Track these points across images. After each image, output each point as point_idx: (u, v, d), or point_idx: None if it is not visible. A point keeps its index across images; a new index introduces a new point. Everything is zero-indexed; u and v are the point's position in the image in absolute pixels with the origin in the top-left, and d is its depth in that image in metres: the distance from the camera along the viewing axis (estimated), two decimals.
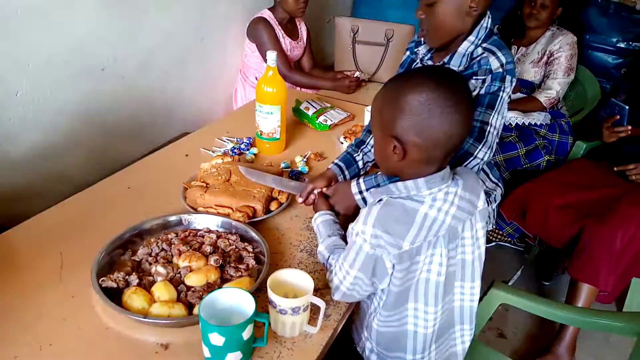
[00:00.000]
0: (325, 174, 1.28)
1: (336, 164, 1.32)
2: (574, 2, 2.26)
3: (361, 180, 1.17)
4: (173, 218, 1.15)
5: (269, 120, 1.50)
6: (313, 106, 1.80)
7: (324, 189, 1.23)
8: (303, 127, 1.77)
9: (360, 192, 1.16)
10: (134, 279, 0.96)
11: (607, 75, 2.83)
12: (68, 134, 1.71)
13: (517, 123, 2.30)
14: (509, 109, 2.25)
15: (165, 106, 2.11)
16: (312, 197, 1.23)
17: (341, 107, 1.88)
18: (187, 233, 1.12)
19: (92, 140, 1.80)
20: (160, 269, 0.99)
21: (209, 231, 1.14)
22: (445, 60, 1.20)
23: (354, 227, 0.92)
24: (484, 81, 1.13)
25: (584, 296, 1.82)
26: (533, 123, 2.29)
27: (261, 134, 1.53)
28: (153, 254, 1.05)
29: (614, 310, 2.13)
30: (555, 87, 2.24)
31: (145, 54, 1.94)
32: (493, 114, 1.13)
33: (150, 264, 1.02)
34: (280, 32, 2.31)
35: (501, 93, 1.13)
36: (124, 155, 1.83)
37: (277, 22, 2.30)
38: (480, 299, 1.36)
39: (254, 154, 1.54)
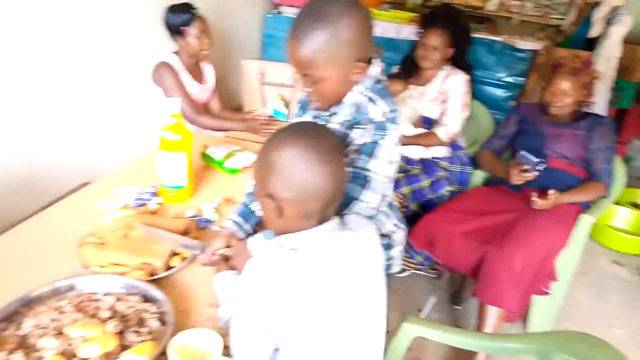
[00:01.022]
0: (222, 234, 1.22)
1: (232, 220, 1.27)
2: (463, 43, 2.44)
3: (257, 236, 1.10)
4: (64, 283, 1.06)
5: (174, 168, 1.46)
6: (221, 150, 1.78)
7: (224, 250, 1.18)
8: (212, 172, 1.74)
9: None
10: (18, 358, 0.87)
11: (498, 107, 3.08)
12: None
13: (420, 157, 2.42)
14: (410, 144, 2.41)
15: (62, 155, 1.98)
16: (213, 259, 1.17)
17: (251, 149, 1.87)
18: (81, 298, 1.04)
19: None
20: (49, 341, 0.90)
21: (107, 294, 1.06)
22: (333, 110, 1.19)
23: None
24: (367, 130, 1.12)
25: (492, 318, 1.91)
26: (435, 156, 2.42)
27: (166, 183, 1.48)
28: (42, 326, 0.96)
29: (521, 328, 2.26)
30: (453, 124, 2.39)
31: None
32: (373, 161, 1.12)
33: (39, 337, 0.93)
34: (186, 76, 2.28)
35: (382, 141, 1.12)
36: (14, 214, 1.68)
37: (182, 66, 2.27)
38: (393, 334, 1.40)
39: (159, 204, 1.48)
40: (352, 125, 1.15)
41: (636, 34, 4.51)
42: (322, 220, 0.92)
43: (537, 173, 2.10)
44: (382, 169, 1.13)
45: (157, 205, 1.48)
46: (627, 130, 4.38)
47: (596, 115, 2.27)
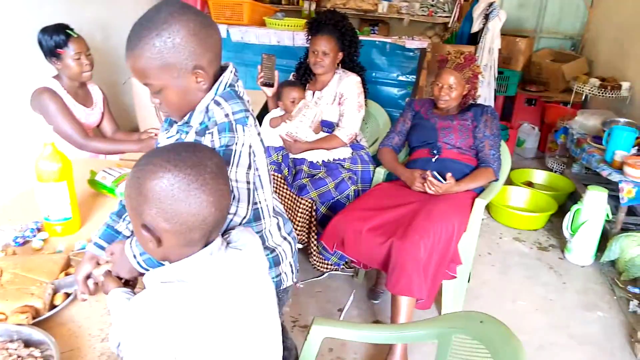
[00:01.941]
0: (86, 257, 1.16)
1: (96, 243, 1.19)
2: (351, 46, 2.52)
3: (134, 241, 1.06)
4: None
5: (56, 199, 1.37)
6: (111, 174, 1.70)
7: (99, 269, 1.12)
8: (102, 199, 1.66)
9: (135, 257, 1.05)
10: None
11: (395, 104, 3.22)
12: None
13: (323, 160, 2.46)
14: (313, 148, 2.45)
15: None
16: (91, 285, 1.12)
17: None
18: None
19: None
20: None
21: None
22: (186, 119, 1.14)
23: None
24: (214, 134, 1.07)
25: (404, 307, 1.99)
26: (337, 158, 2.48)
27: (49, 216, 1.39)
28: None
29: (436, 314, 2.37)
30: (351, 124, 2.47)
31: None
32: (232, 168, 1.06)
33: None
34: (70, 100, 2.16)
35: (234, 146, 1.06)
36: None
37: (64, 90, 2.14)
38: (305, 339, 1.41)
39: (43, 240, 1.39)
40: (200, 131, 1.10)
41: (513, 27, 4.94)
42: (205, 245, 0.89)
43: (435, 184, 2.20)
44: (243, 176, 1.07)
45: (41, 241, 1.38)
46: (516, 116, 4.77)
47: (480, 105, 2.44)
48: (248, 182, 1.08)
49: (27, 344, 0.99)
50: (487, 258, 2.91)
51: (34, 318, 1.06)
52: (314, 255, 2.45)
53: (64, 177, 1.37)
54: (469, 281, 2.42)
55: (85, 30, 2.15)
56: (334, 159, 2.48)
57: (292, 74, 2.67)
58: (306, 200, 2.35)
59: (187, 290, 0.83)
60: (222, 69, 1.14)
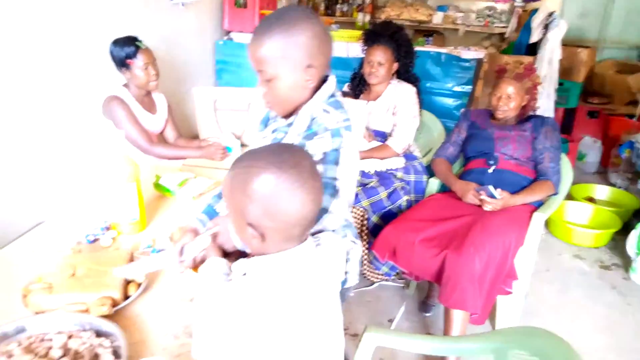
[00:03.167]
0: (189, 227, 1.27)
1: (197, 217, 1.32)
2: (407, 57, 2.53)
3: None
4: (12, 326, 1.04)
5: (124, 201, 1.45)
6: (174, 179, 1.78)
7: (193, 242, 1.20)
8: (166, 201, 1.74)
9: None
10: None
11: (450, 115, 3.18)
12: None
13: (376, 170, 2.47)
14: (366, 157, 2.46)
15: (15, 197, 1.94)
16: (187, 260, 1.19)
17: (205, 175, 1.88)
18: (31, 339, 1.02)
19: None
20: None
21: (59, 333, 1.05)
22: (290, 120, 1.25)
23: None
24: (323, 138, 1.18)
25: (457, 321, 1.95)
26: (390, 168, 2.48)
27: (117, 216, 1.47)
28: None
29: (489, 329, 2.31)
30: (405, 135, 2.46)
31: None
32: (340, 168, 1.18)
33: None
34: (137, 107, 2.28)
35: (342, 148, 1.18)
36: None
37: (132, 98, 2.27)
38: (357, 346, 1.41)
39: (112, 238, 1.47)
40: (309, 135, 1.19)
41: (574, 36, 4.77)
42: (302, 240, 0.94)
43: (491, 202, 2.14)
44: (346, 176, 1.18)
45: (110, 239, 1.46)
46: (577, 129, 4.59)
47: (540, 116, 2.37)
48: (351, 183, 1.19)
49: (98, 334, 1.05)
50: (545, 275, 2.80)
51: (113, 308, 1.12)
52: (365, 265, 2.44)
53: (133, 179, 1.45)
54: (525, 298, 2.34)
55: (150, 43, 2.27)
56: (387, 169, 2.47)
57: (347, 84, 2.70)
58: (357, 209, 2.36)
59: (277, 282, 0.88)
60: (324, 78, 1.24)
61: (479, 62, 3.20)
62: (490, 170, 2.28)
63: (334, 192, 1.17)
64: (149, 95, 2.39)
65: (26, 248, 1.44)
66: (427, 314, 2.42)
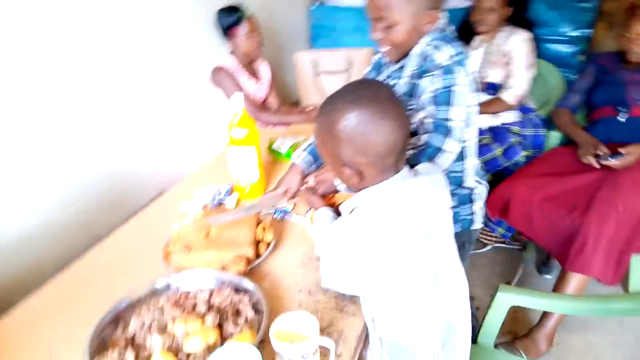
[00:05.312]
0: (296, 170, 1.38)
1: (304, 159, 1.40)
2: (521, 1, 2.31)
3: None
4: (160, 283, 1.10)
5: (245, 163, 1.48)
6: (286, 142, 1.79)
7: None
8: (281, 165, 1.75)
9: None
10: (130, 355, 0.91)
11: (565, 64, 2.88)
12: (41, 218, 1.66)
13: (489, 125, 2.31)
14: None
15: (136, 169, 2.07)
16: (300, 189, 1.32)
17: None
18: (178, 296, 1.07)
19: (65, 220, 1.75)
20: (156, 339, 0.94)
21: (201, 290, 1.09)
22: (401, 64, 1.26)
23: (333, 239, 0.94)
24: (435, 76, 1.16)
25: (574, 284, 1.80)
26: (505, 122, 2.31)
27: (239, 179, 1.51)
28: (146, 325, 0.99)
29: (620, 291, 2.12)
30: (519, 85, 2.27)
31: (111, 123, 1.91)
32: (451, 108, 1.15)
33: (144, 337, 0.97)
34: (242, 75, 2.32)
35: (454, 87, 1.15)
36: (101, 228, 1.77)
37: (238, 67, 2.31)
38: (488, 306, 1.35)
39: (235, 201, 1.51)
40: (420, 74, 1.18)
41: None
42: (397, 170, 0.94)
43: (619, 161, 1.91)
44: (459, 115, 1.15)
45: (234, 202, 1.50)
46: None
47: None
48: (462, 121, 1.16)
49: (237, 290, 1.08)
50: None
51: (248, 265, 1.16)
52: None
53: (252, 142, 1.46)
54: None
55: (249, 12, 2.27)
56: (501, 124, 2.31)
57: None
58: None
59: (383, 210, 0.89)
60: None
61: (599, 2, 2.85)
62: (622, 119, 2.04)
63: (447, 132, 1.16)
64: (252, 63, 2.42)
65: (158, 212, 1.52)
66: (548, 276, 2.27)
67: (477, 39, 2.37)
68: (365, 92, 0.90)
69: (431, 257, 0.93)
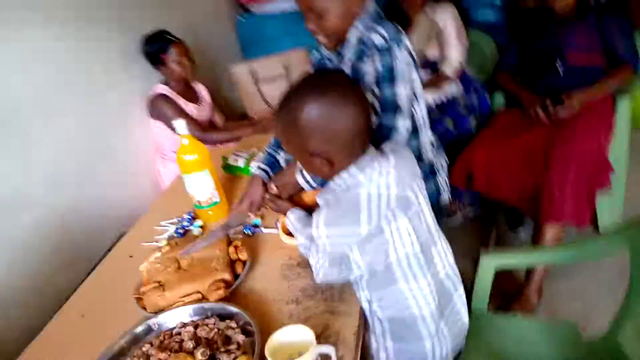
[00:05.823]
0: (257, 181, 1.38)
1: (261, 168, 1.40)
2: None
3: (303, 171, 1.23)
4: (140, 328, 1.03)
5: (202, 187, 1.42)
6: (241, 156, 1.74)
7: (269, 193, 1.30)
8: (238, 180, 1.70)
9: (307, 182, 1.23)
10: None
11: (494, 29, 2.96)
12: None
13: (435, 102, 2.34)
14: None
15: (92, 217, 1.97)
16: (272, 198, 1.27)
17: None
18: (162, 337, 1.01)
19: (23, 287, 1.63)
20: None
21: (184, 325, 1.03)
22: (339, 50, 1.26)
23: (312, 232, 0.97)
24: (374, 58, 1.16)
25: (552, 237, 1.84)
26: (449, 95, 2.34)
27: (199, 204, 1.45)
28: None
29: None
30: (455, 57, 2.31)
31: (49, 175, 1.80)
32: (395, 85, 1.16)
33: None
34: (181, 101, 2.25)
35: (394, 64, 1.15)
36: (63, 283, 1.66)
37: (174, 93, 2.23)
38: (474, 273, 1.35)
39: (201, 227, 1.45)
40: (359, 58, 1.19)
41: None
42: (365, 150, 0.95)
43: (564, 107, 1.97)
44: (404, 90, 1.17)
45: (199, 227, 1.44)
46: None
47: (601, 3, 2.15)
48: (408, 96, 1.17)
49: (222, 317, 1.03)
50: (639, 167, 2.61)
51: (228, 289, 1.10)
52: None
53: (205, 165, 1.41)
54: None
55: (177, 35, 2.21)
56: (447, 97, 2.34)
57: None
58: None
59: (356, 193, 0.90)
60: None
61: None
62: (560, 68, 2.10)
63: (395, 108, 1.17)
64: (188, 86, 2.35)
65: (121, 255, 1.43)
66: (517, 231, 2.32)
67: (406, 18, 2.39)
68: (321, 81, 0.92)
69: (414, 224, 0.94)
